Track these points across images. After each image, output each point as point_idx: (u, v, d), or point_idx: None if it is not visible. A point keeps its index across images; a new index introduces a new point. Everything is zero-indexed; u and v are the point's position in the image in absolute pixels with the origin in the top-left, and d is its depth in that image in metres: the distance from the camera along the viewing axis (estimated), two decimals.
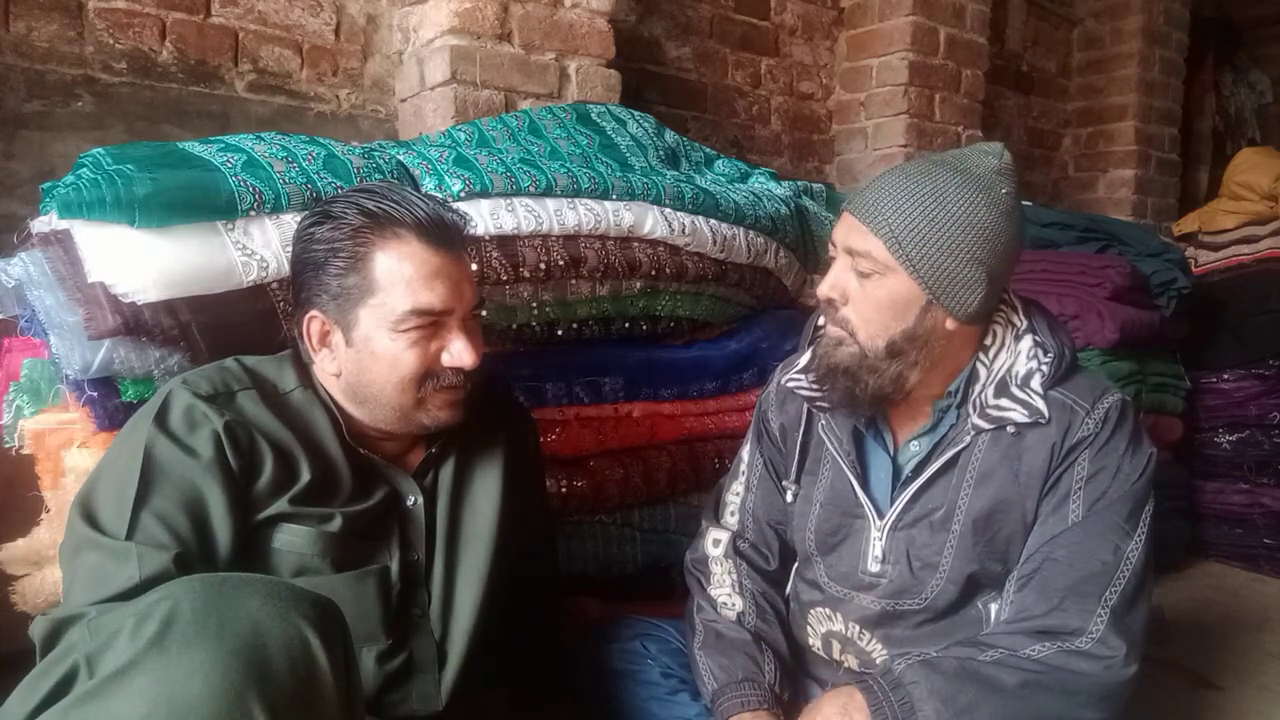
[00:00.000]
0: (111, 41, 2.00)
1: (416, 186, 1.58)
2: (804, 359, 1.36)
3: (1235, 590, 2.62)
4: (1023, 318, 1.26)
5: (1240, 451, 2.83)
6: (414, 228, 1.09)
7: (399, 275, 1.08)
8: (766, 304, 2.04)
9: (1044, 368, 1.21)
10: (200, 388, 1.06)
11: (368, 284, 1.08)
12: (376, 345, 1.09)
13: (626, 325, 1.80)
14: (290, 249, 1.32)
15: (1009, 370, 1.23)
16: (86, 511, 0.99)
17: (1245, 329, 2.83)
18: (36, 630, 0.91)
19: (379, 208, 1.09)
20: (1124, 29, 4.25)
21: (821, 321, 1.34)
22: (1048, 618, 1.13)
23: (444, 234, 1.11)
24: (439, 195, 1.15)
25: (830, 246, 1.25)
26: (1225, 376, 2.86)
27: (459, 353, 1.11)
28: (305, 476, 1.07)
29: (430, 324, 1.10)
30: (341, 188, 1.41)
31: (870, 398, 1.21)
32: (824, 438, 1.35)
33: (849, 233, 1.19)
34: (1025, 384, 1.21)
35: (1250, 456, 2.81)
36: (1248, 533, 2.80)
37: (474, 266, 1.43)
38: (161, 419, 1.03)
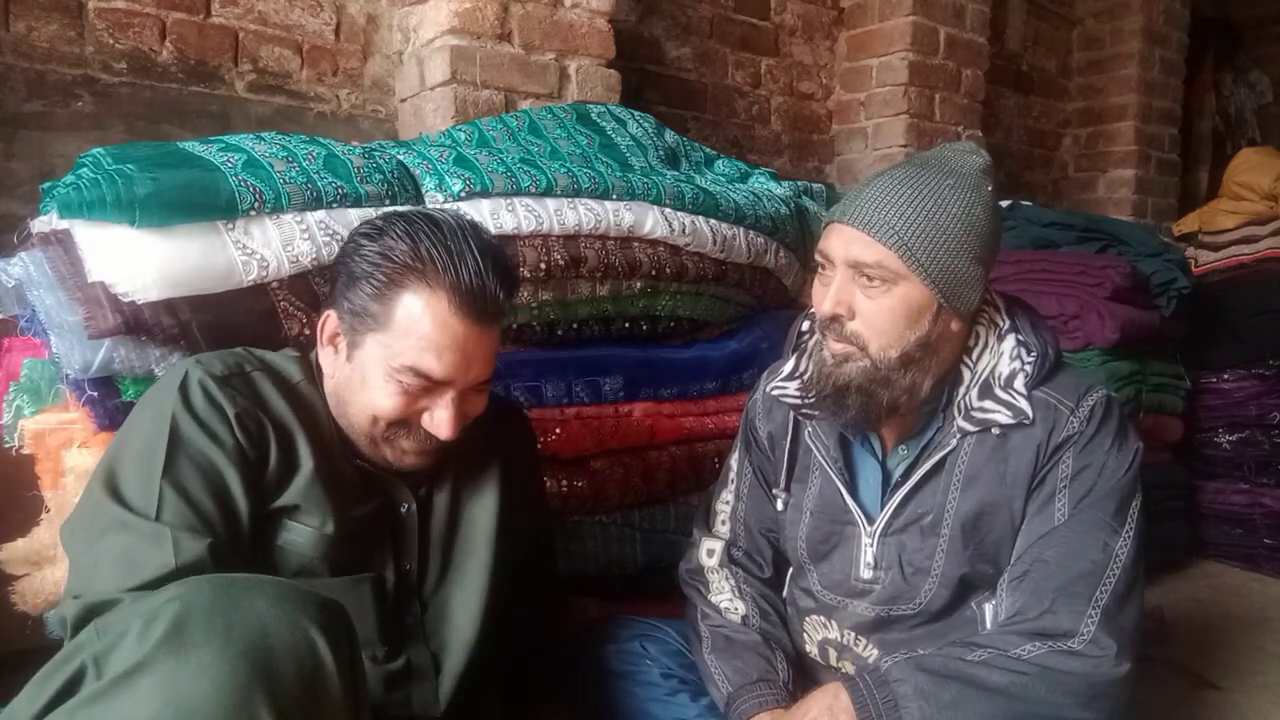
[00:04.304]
0: (111, 41, 2.00)
1: (417, 186, 1.58)
2: (788, 366, 1.35)
3: (1235, 590, 2.62)
4: (1005, 317, 1.25)
5: (1240, 451, 2.83)
6: (450, 289, 1.04)
7: (415, 328, 1.04)
8: (766, 304, 2.04)
9: (1027, 368, 1.20)
10: (214, 368, 1.05)
11: (385, 319, 1.06)
12: (369, 375, 1.07)
13: (626, 325, 1.80)
14: (290, 248, 1.33)
15: (992, 371, 1.22)
16: (111, 485, 0.96)
17: (1245, 329, 2.83)
18: (69, 613, 0.89)
19: (429, 253, 1.05)
20: (1124, 29, 4.25)
21: (805, 327, 1.33)
22: (1039, 620, 1.12)
23: (478, 306, 1.06)
24: (493, 260, 1.09)
25: (821, 262, 1.22)
26: (1225, 376, 2.86)
27: (439, 423, 1.08)
28: (308, 465, 1.06)
29: (424, 386, 1.07)
30: (342, 187, 1.42)
31: (886, 412, 1.20)
32: (811, 445, 1.34)
33: (850, 244, 1.16)
34: (1009, 385, 1.20)
35: (1250, 456, 2.81)
36: (1248, 533, 2.80)
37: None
38: (185, 396, 1.01)
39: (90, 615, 0.87)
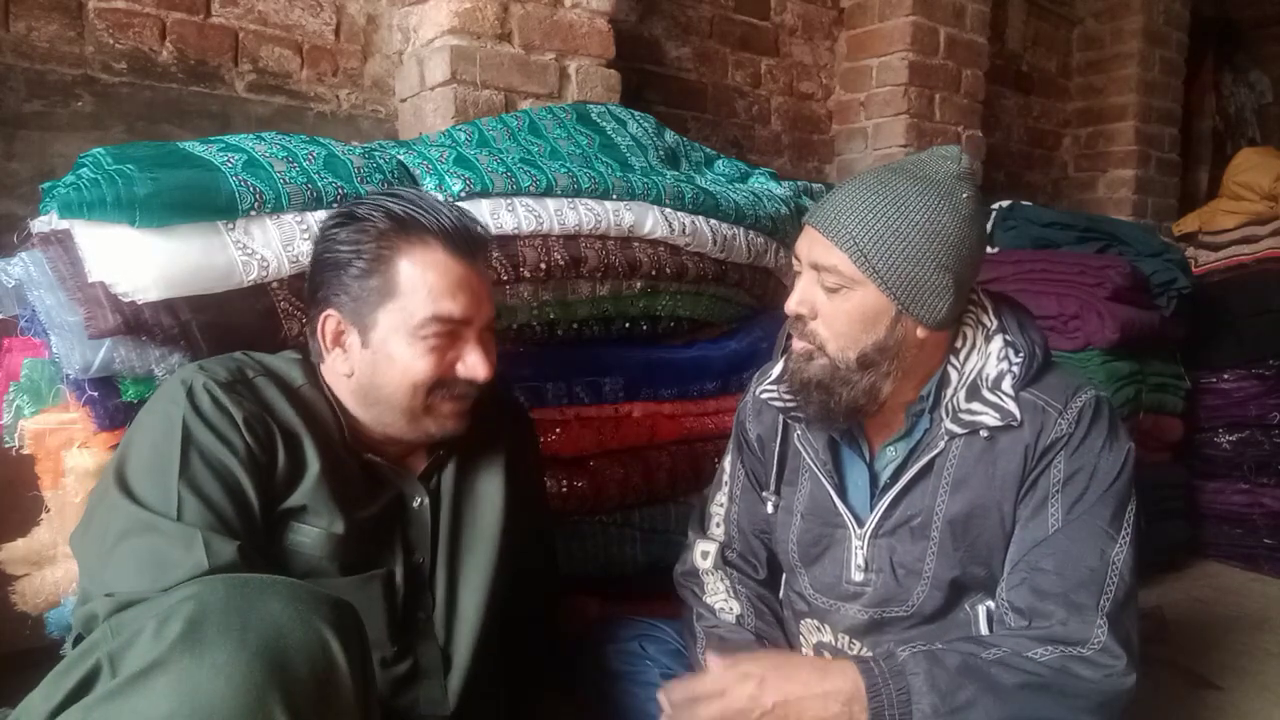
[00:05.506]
0: (111, 41, 2.00)
1: (417, 186, 1.58)
2: (776, 369, 1.35)
3: (1235, 590, 2.62)
4: (993, 318, 1.24)
5: (1240, 451, 2.83)
6: (440, 235, 1.09)
7: (422, 281, 1.08)
8: (767, 304, 2.04)
9: (1015, 369, 1.20)
10: (218, 374, 1.05)
11: (389, 287, 1.08)
12: (393, 348, 1.09)
13: (627, 325, 1.80)
14: (291, 248, 1.33)
15: (980, 373, 1.21)
16: (125, 489, 0.96)
17: (1245, 329, 2.83)
18: (100, 610, 0.87)
19: (405, 212, 1.09)
20: (1124, 29, 4.25)
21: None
22: (1051, 629, 1.11)
23: (468, 244, 1.11)
24: (463, 207, 1.14)
25: (795, 260, 1.23)
26: (1225, 376, 2.86)
27: (474, 365, 1.11)
28: (314, 466, 1.07)
29: (448, 332, 1.10)
30: (342, 188, 1.42)
31: (845, 410, 1.20)
32: (800, 448, 1.34)
33: (813, 246, 1.18)
34: (996, 386, 1.19)
35: (1250, 456, 2.81)
36: (1248, 533, 2.80)
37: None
38: (193, 401, 1.01)
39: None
